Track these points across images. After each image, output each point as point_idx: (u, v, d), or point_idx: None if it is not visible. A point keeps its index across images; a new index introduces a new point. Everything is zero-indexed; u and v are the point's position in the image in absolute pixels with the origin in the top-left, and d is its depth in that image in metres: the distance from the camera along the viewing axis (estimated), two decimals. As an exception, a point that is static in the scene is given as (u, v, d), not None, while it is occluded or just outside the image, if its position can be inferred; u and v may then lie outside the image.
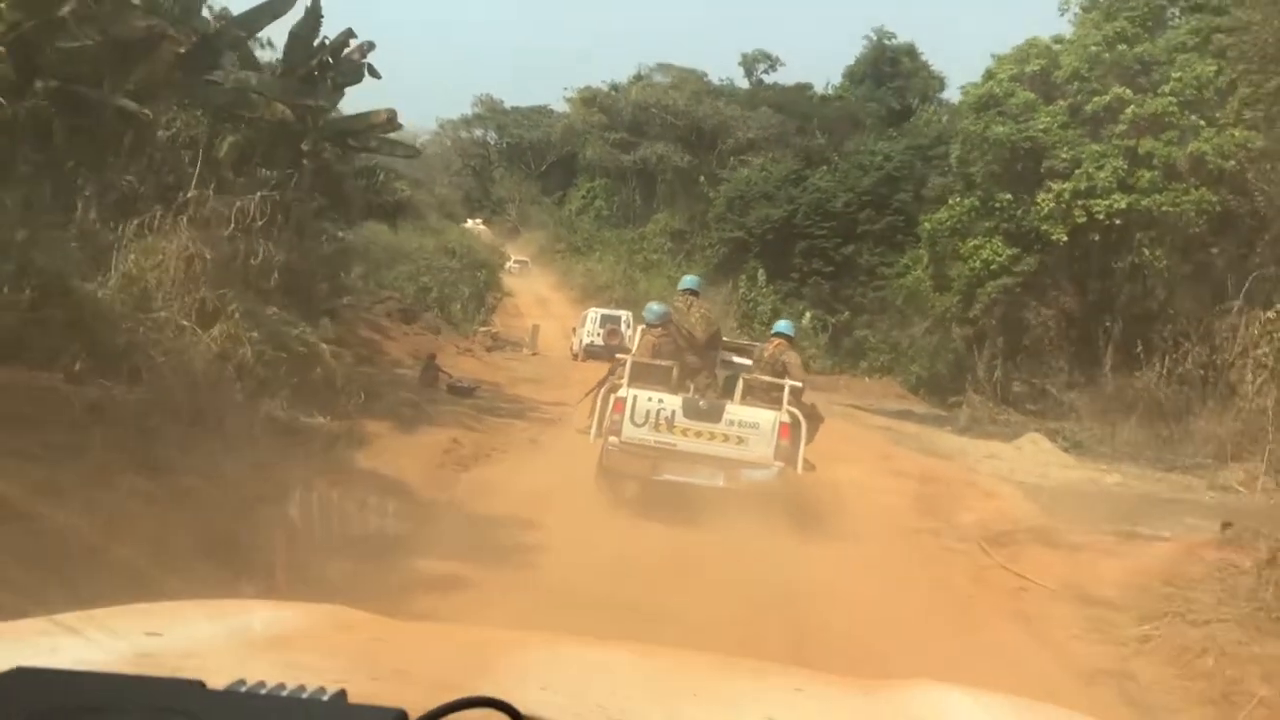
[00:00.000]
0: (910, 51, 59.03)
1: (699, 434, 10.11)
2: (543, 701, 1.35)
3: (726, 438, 10.10)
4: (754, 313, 39.22)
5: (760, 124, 60.21)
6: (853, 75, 60.28)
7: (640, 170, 64.16)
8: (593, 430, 10.57)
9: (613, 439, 10.17)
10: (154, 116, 12.03)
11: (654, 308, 11.68)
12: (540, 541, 8.05)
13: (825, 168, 43.86)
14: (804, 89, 67.03)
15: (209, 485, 7.20)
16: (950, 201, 33.17)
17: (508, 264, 59.42)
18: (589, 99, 74.73)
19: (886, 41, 58.49)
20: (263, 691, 1.05)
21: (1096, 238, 29.83)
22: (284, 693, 1.06)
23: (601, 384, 11.15)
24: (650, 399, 10.18)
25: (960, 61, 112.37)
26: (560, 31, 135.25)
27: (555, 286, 56.93)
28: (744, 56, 71.72)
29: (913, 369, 37.29)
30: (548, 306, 51.30)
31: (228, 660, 1.32)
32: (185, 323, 9.66)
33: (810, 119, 57.04)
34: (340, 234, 32.45)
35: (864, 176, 42.10)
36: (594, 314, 34.13)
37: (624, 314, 31.15)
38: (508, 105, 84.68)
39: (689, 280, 12.52)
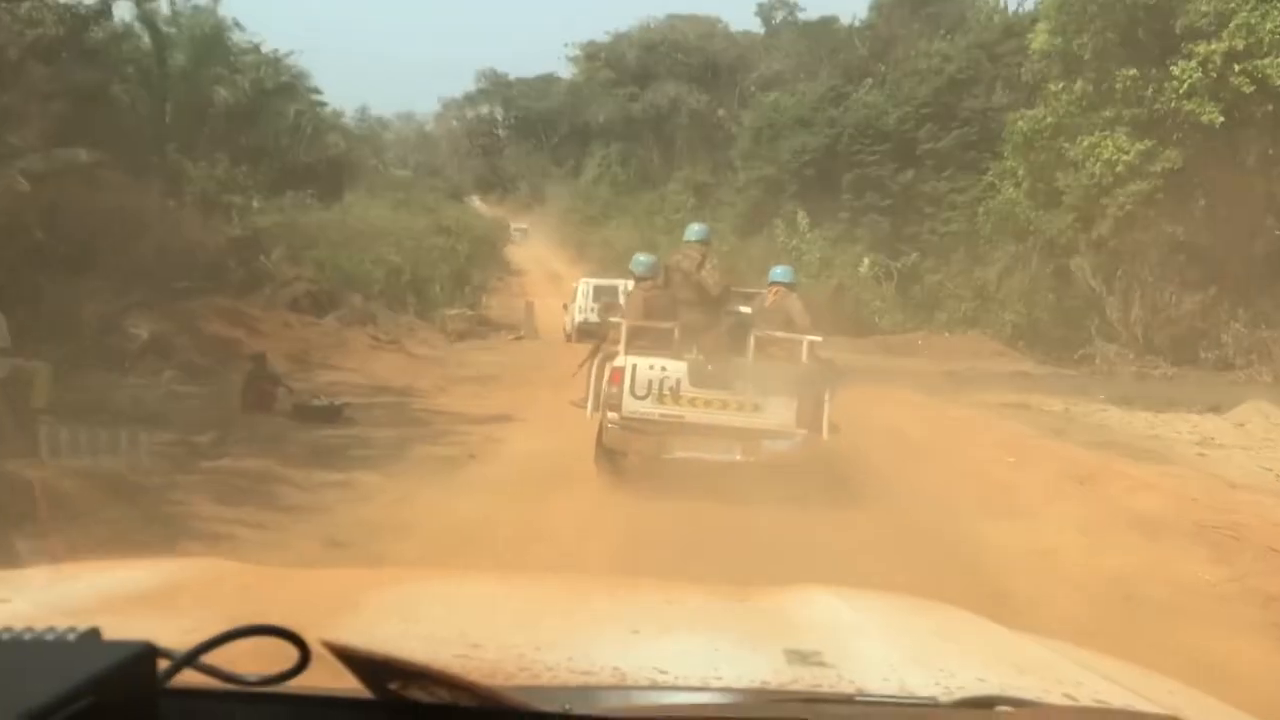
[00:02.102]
0: (946, -28, 49.55)
1: (709, 403, 8.75)
2: (405, 631, 1.36)
3: (741, 405, 8.75)
4: (798, 264, 31.12)
5: (787, 52, 51.96)
6: (881, 8, 50.16)
7: (654, 120, 56.91)
8: (589, 406, 9.29)
9: (612, 415, 8.82)
10: None
11: (641, 259, 10.20)
12: None
13: (870, 81, 35.58)
14: (829, 22, 58.84)
15: None
16: (1051, 89, 24.93)
17: (511, 232, 55.23)
18: (593, 54, 69.16)
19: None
20: (5, 638, 0.97)
21: (1270, 108, 21.58)
22: (28, 637, 0.98)
23: (595, 352, 9.59)
24: (652, 366, 8.81)
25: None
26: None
27: (571, 260, 50.91)
28: (760, 6, 62.59)
29: (1006, 317, 29.14)
30: (561, 283, 44.87)
31: (74, 621, 1.11)
32: None
33: (840, 52, 48.49)
34: (245, 203, 25.23)
35: (920, 85, 33.86)
36: (584, 286, 27.40)
37: (620, 283, 24.00)
38: (512, 77, 79.97)
39: (697, 230, 10.44)
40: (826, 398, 8.90)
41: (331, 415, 11.03)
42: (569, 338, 25.70)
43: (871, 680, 1.22)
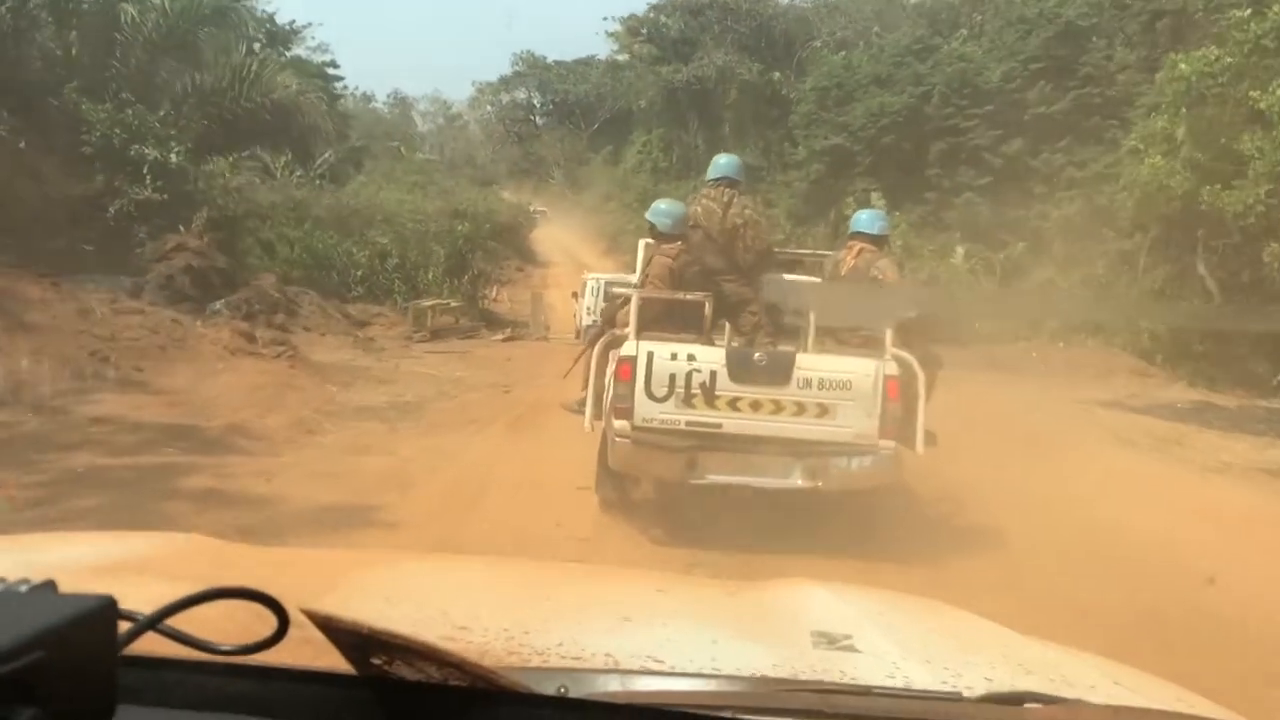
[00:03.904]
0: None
1: (757, 405, 6.52)
2: (385, 612, 1.26)
3: (801, 408, 6.51)
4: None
5: (851, 17, 45.49)
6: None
7: (700, 96, 51.00)
8: (587, 412, 7.00)
9: (620, 424, 6.53)
10: None
11: (663, 207, 7.60)
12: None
13: (964, 33, 29.19)
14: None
15: None
16: (1234, 17, 18.47)
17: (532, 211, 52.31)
18: (634, 28, 64.20)
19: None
20: None
21: None
22: None
23: (597, 337, 7.43)
24: (675, 355, 6.59)
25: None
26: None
27: (604, 252, 46.46)
28: (813, -12, 56.36)
29: (1142, 324, 22.74)
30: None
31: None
32: None
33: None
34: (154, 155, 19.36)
35: (1028, 36, 27.45)
36: (593, 283, 22.38)
37: (635, 278, 18.49)
38: (550, 60, 75.66)
39: (724, 163, 7.60)
40: (922, 395, 6.58)
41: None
42: (578, 335, 20.68)
43: (875, 677, 1.16)
